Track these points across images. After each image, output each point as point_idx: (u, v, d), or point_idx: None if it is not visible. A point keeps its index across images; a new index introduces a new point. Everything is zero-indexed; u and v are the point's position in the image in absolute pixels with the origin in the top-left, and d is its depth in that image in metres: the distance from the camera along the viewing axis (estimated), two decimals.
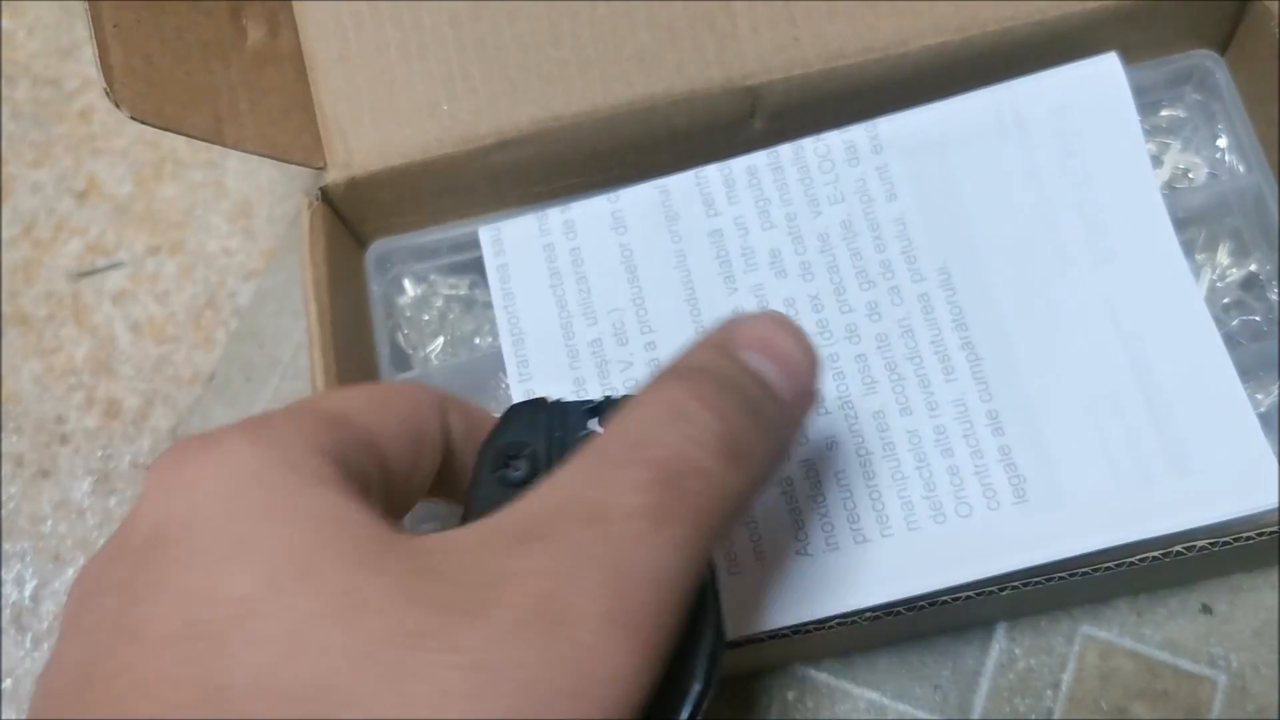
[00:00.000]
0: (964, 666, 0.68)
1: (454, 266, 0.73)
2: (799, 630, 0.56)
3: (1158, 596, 0.68)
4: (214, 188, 0.85)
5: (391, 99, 0.68)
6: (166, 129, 0.61)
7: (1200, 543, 0.56)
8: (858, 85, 0.68)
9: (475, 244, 0.72)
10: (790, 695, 0.68)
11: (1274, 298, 0.66)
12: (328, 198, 0.68)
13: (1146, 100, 0.71)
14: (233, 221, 0.85)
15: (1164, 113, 0.72)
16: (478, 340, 0.72)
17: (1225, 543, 0.56)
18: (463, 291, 0.73)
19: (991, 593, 0.56)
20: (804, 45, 0.67)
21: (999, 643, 0.68)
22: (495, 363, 0.70)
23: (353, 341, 0.68)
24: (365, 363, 0.68)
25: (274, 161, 0.66)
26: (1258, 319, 0.67)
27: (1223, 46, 0.70)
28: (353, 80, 0.68)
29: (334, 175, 0.68)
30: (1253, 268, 0.68)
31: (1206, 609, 0.67)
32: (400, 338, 0.71)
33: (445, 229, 0.72)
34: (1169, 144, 0.70)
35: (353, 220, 0.71)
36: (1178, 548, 0.56)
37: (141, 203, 0.86)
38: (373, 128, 0.68)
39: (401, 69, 0.68)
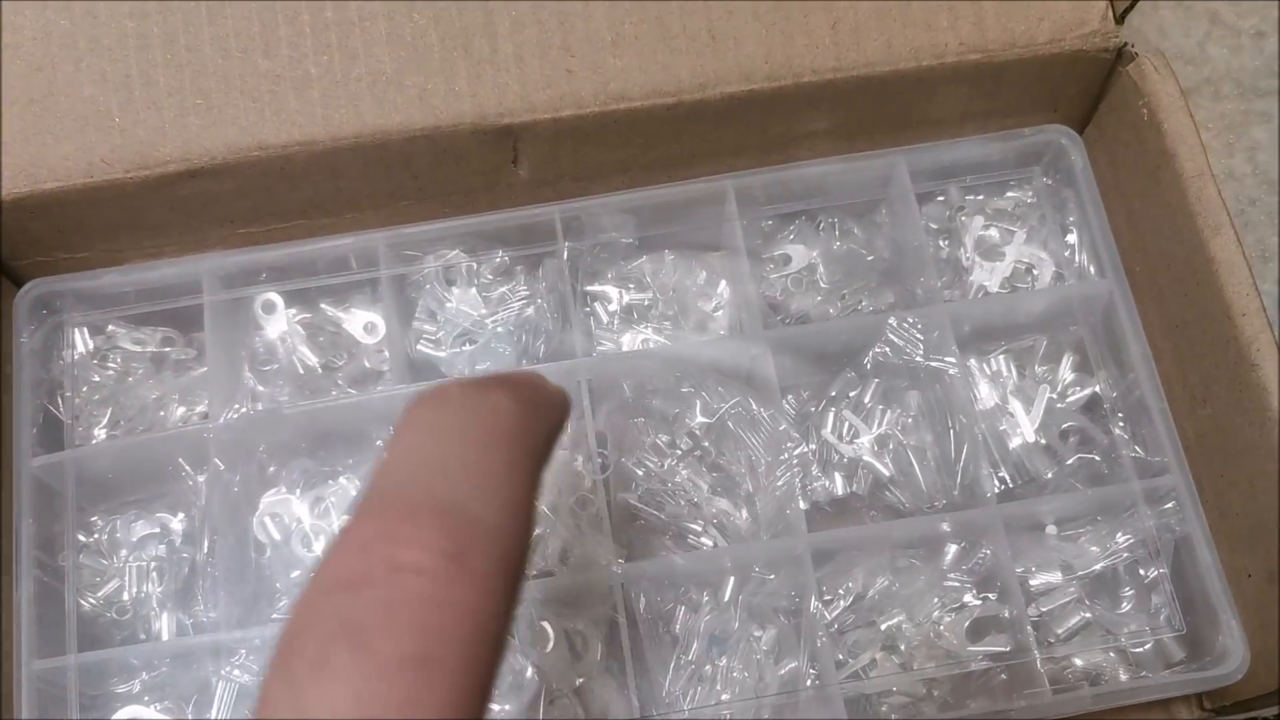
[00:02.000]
0: None
1: (142, 317, 0.58)
2: None
3: None
4: None
5: (48, 104, 0.53)
6: None
7: None
8: (644, 134, 0.56)
9: (168, 290, 0.57)
10: None
11: (1119, 431, 0.55)
12: None
13: (991, 179, 0.60)
14: None
15: (1010, 194, 0.60)
16: (162, 413, 0.58)
17: None
18: (151, 348, 0.59)
19: None
20: (578, 80, 0.54)
21: None
22: (177, 446, 0.55)
23: None
24: None
25: None
26: (1096, 458, 0.55)
27: (1082, 122, 0.59)
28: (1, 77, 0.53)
29: None
30: (1098, 389, 0.57)
31: None
32: (58, 403, 0.56)
33: (128, 270, 0.57)
34: (1013, 232, 0.59)
35: None
36: None
37: None
38: (22, 140, 0.53)
39: (65, 67, 0.53)
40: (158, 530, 0.55)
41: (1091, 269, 0.58)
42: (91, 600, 0.54)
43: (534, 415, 0.31)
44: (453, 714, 0.25)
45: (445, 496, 0.27)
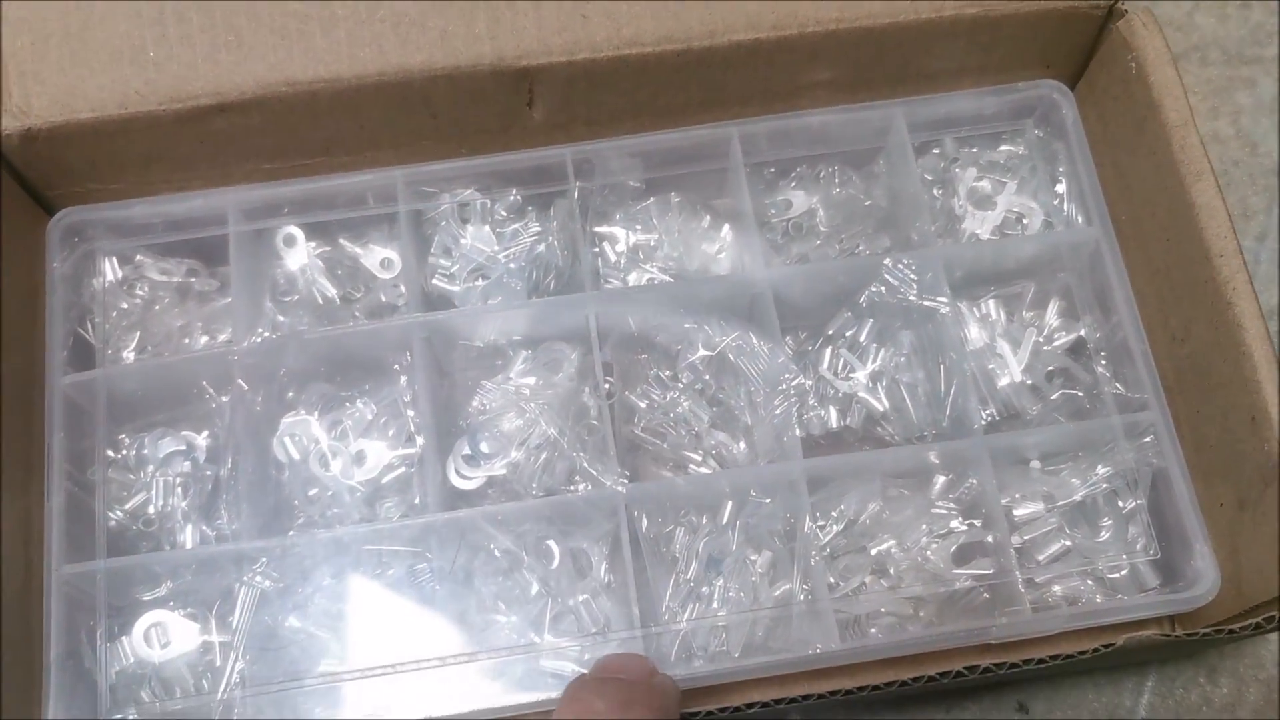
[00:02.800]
0: None
1: (168, 246, 0.61)
2: None
3: (970, 692, 0.60)
4: None
5: (85, 37, 0.55)
6: None
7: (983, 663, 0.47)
8: (654, 79, 0.58)
9: (195, 221, 0.60)
10: None
11: (1101, 369, 0.58)
12: None
13: (984, 132, 0.63)
14: None
15: (1003, 148, 0.63)
16: (187, 340, 0.60)
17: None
18: (177, 279, 0.61)
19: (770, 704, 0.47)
20: (593, 25, 0.56)
21: None
22: (202, 369, 0.58)
23: (14, 333, 0.55)
24: (30, 359, 0.56)
25: None
26: (1080, 394, 0.58)
27: (1073, 79, 0.62)
28: (39, 9, 0.56)
29: (7, 123, 0.55)
30: (1082, 332, 0.59)
31: (1023, 708, 0.59)
32: (88, 328, 0.59)
33: (157, 201, 0.59)
34: (1004, 183, 0.61)
35: (35, 181, 0.58)
36: (957, 669, 0.47)
37: None
38: (59, 70, 0.55)
39: (101, 2, 0.56)
40: (183, 448, 0.57)
41: (1079, 218, 0.60)
42: (119, 513, 0.56)
43: None
44: None
45: None
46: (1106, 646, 0.48)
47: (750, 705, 0.47)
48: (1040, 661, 0.47)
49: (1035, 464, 0.57)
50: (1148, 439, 0.55)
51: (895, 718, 0.59)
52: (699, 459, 0.58)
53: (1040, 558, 0.56)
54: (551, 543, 0.55)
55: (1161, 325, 0.57)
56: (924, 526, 0.56)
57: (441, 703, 0.51)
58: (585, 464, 0.56)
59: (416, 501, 0.57)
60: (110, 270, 0.60)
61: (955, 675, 0.47)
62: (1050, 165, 0.61)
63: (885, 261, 0.58)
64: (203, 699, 0.53)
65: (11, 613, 0.51)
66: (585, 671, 0.48)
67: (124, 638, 0.54)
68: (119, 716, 0.52)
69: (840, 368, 0.59)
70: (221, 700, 0.52)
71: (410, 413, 0.57)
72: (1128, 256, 0.58)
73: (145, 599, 0.55)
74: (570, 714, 0.42)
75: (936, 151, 0.63)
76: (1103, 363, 0.58)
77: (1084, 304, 0.59)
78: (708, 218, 0.63)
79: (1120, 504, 0.56)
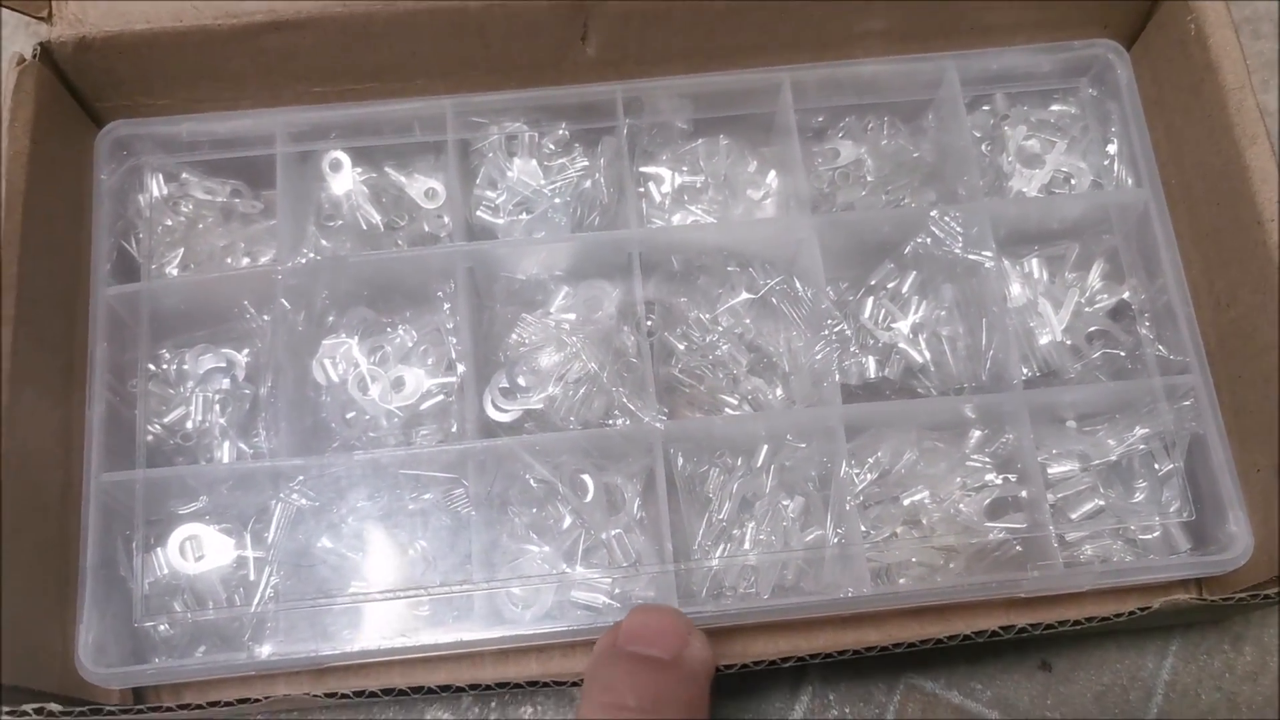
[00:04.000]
0: (769, 710, 0.59)
1: (214, 165, 0.61)
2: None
3: (993, 647, 0.60)
4: None
5: None
6: None
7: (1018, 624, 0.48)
8: (708, 20, 0.58)
9: (242, 140, 0.60)
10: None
11: (1145, 330, 0.58)
12: (50, 57, 0.55)
13: (1037, 89, 0.62)
14: None
15: (1054, 107, 0.63)
16: (230, 259, 0.60)
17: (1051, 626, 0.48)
18: (221, 199, 0.61)
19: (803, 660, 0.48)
20: None
21: (811, 684, 0.59)
22: (244, 288, 0.58)
23: (60, 241, 0.55)
24: (75, 268, 0.56)
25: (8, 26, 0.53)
26: (1122, 354, 0.58)
27: (1130, 40, 0.61)
28: None
29: (60, 31, 0.55)
30: (1125, 295, 0.59)
31: (1046, 665, 0.59)
32: (132, 243, 0.59)
33: (205, 119, 0.59)
34: (1054, 143, 0.61)
35: (86, 92, 0.58)
36: (992, 628, 0.47)
37: None
38: None
39: None
40: (223, 365, 0.57)
41: (1129, 180, 0.60)
42: (157, 426, 0.56)
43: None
44: None
45: None
46: (1142, 609, 0.48)
47: (786, 660, 0.47)
48: (1075, 624, 0.47)
49: (1071, 423, 0.57)
50: (1187, 402, 0.55)
51: (919, 671, 0.59)
52: (735, 403, 0.58)
53: (1073, 516, 0.56)
54: (586, 476, 0.55)
55: (1207, 289, 0.57)
56: (958, 479, 0.56)
57: (471, 629, 0.51)
58: (624, 399, 0.56)
59: (454, 430, 0.57)
60: (156, 186, 0.60)
61: (990, 635, 0.47)
62: (1102, 126, 0.61)
63: (931, 213, 0.58)
64: (235, 611, 0.53)
65: (49, 518, 0.52)
66: (619, 623, 0.46)
67: (159, 549, 0.54)
68: (151, 623, 0.53)
69: (881, 318, 0.59)
70: (255, 613, 0.52)
71: (452, 340, 0.57)
72: (1175, 220, 0.58)
73: (181, 512, 0.55)
74: (600, 706, 0.42)
75: (987, 108, 0.63)
76: (1146, 325, 0.58)
77: (1130, 266, 0.59)
78: (754, 163, 0.62)
79: (1156, 466, 0.56)
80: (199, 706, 0.46)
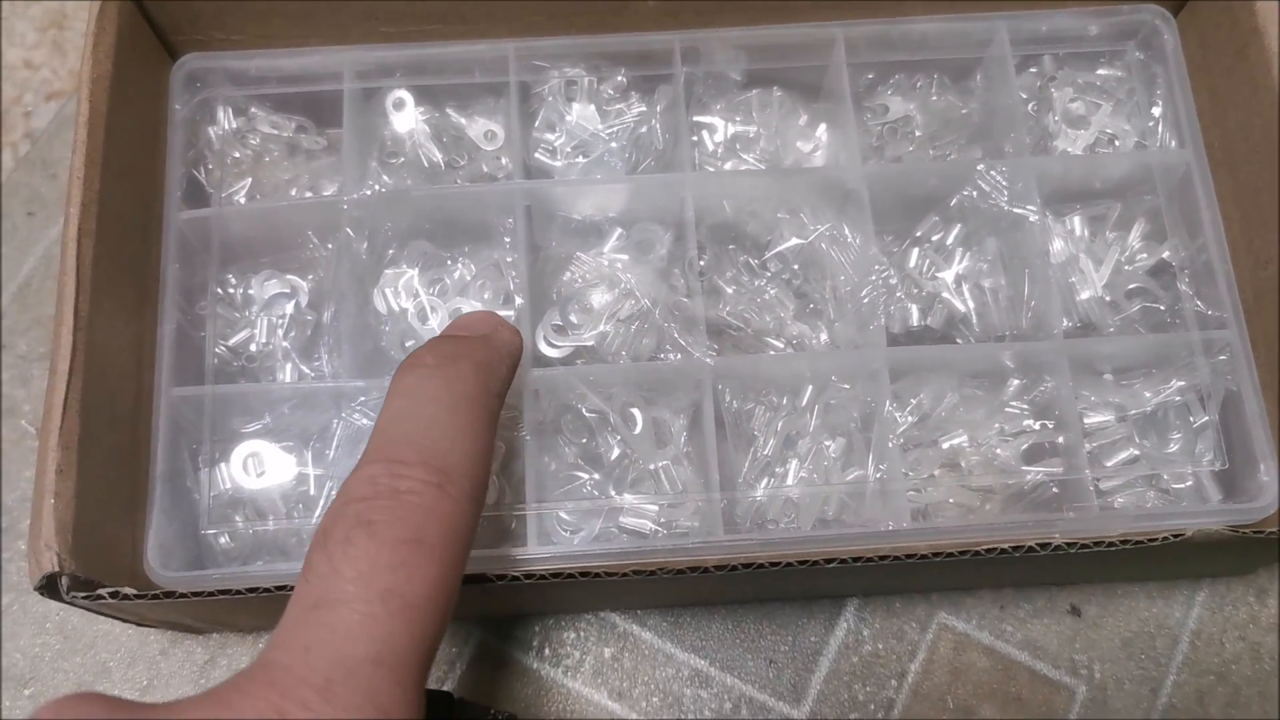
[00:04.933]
0: (805, 643, 0.61)
1: (281, 100, 0.63)
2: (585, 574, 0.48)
3: (1024, 590, 0.61)
4: None
5: None
6: None
7: (1056, 539, 0.49)
8: None
9: (310, 77, 0.62)
10: (607, 652, 0.60)
11: (1184, 287, 0.59)
12: None
13: (1084, 52, 0.64)
14: (41, 31, 0.73)
15: (1101, 70, 0.64)
16: (294, 192, 0.62)
17: (1085, 546, 0.49)
18: (287, 134, 0.63)
19: (845, 562, 0.49)
20: None
21: (847, 621, 0.61)
22: (309, 217, 0.60)
23: (136, 165, 0.57)
24: (149, 192, 0.58)
25: None
26: (1161, 308, 0.59)
27: (1177, 4, 0.63)
28: None
29: None
30: (1165, 254, 0.60)
31: (1075, 610, 0.61)
32: (202, 173, 0.61)
33: (275, 55, 0.61)
34: (1099, 105, 0.62)
35: (163, 25, 0.60)
36: (1029, 543, 0.49)
37: None
38: None
39: None
40: (287, 290, 0.59)
41: (1172, 143, 0.61)
42: (224, 347, 0.58)
43: (489, 376, 0.43)
44: (435, 577, 0.35)
45: (428, 447, 0.38)
46: (1176, 536, 0.49)
47: (830, 560, 0.49)
48: (1110, 544, 0.49)
49: (1108, 376, 0.59)
50: (1223, 357, 0.57)
51: (951, 610, 0.61)
52: (780, 347, 0.60)
53: (1108, 464, 0.57)
54: (636, 410, 0.57)
55: (1246, 248, 0.58)
56: (996, 425, 0.58)
57: (522, 550, 0.53)
58: (675, 335, 0.58)
59: None
60: (226, 120, 0.62)
61: (1026, 550, 0.49)
62: (1147, 90, 0.62)
63: (979, 167, 0.60)
64: (295, 524, 0.55)
65: (122, 427, 0.54)
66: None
67: (223, 464, 0.56)
68: (214, 531, 0.55)
69: (926, 268, 0.61)
70: (315, 526, 0.54)
71: (512, 273, 0.59)
72: (1217, 181, 0.59)
73: (244, 430, 0.57)
74: (400, 368, 0.42)
75: (1034, 70, 0.64)
76: (1185, 282, 0.59)
77: (1171, 226, 0.60)
78: (805, 116, 0.64)
79: (1190, 418, 0.57)
80: (266, 590, 0.48)
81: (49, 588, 0.46)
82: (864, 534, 0.53)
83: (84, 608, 0.48)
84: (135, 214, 0.57)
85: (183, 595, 0.48)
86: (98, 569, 0.49)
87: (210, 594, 0.48)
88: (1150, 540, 0.49)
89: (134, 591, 0.47)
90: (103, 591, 0.46)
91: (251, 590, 0.48)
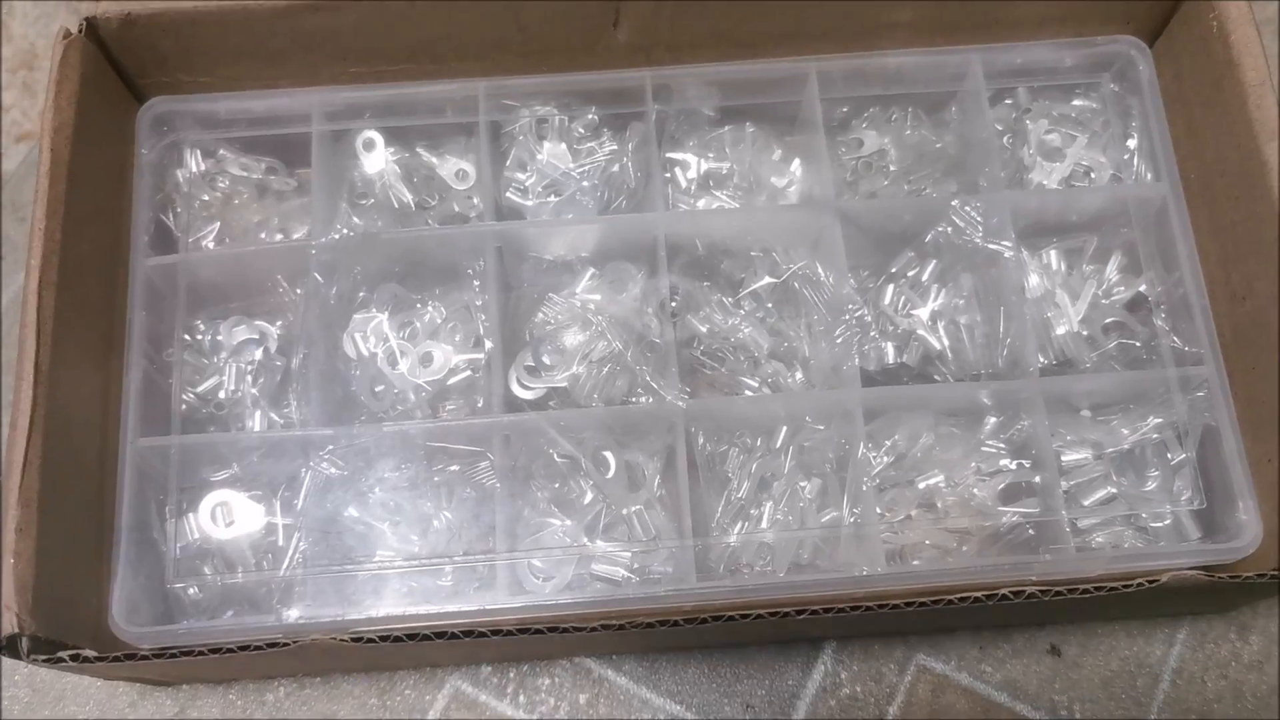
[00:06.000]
0: (782, 687, 0.60)
1: (250, 143, 0.62)
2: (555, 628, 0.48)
3: (1003, 630, 0.61)
4: None
5: None
6: None
7: (1031, 586, 0.49)
8: (737, 9, 0.59)
9: (279, 118, 0.61)
10: (583, 698, 0.60)
11: (1160, 323, 0.58)
12: (95, 33, 0.57)
13: (1059, 84, 0.63)
14: (11, 72, 0.72)
15: (1076, 101, 0.63)
16: (264, 235, 0.62)
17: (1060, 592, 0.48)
18: (256, 175, 0.63)
19: (817, 612, 0.48)
20: None
21: (824, 663, 0.60)
22: (278, 262, 0.59)
23: (102, 211, 0.57)
24: (115, 238, 0.57)
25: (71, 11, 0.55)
26: (1137, 344, 0.59)
27: (1152, 35, 0.62)
28: None
29: (106, 7, 0.56)
30: (1142, 288, 0.60)
31: (1055, 650, 0.60)
32: (170, 217, 0.61)
33: (244, 97, 0.61)
34: (1075, 136, 0.62)
35: (129, 68, 0.59)
36: (1002, 592, 0.48)
37: None
38: None
39: None
40: (256, 336, 0.59)
41: (1148, 175, 0.61)
42: (191, 394, 0.58)
43: None
44: None
45: None
46: (1151, 581, 0.49)
47: (801, 611, 0.48)
48: (1084, 591, 0.48)
49: (1086, 412, 0.58)
50: (1200, 393, 0.56)
51: (930, 651, 0.60)
52: (755, 385, 0.59)
53: (1085, 502, 0.57)
54: (608, 453, 0.57)
55: (1223, 282, 0.57)
56: (973, 464, 0.57)
57: (492, 598, 0.52)
58: (647, 378, 0.57)
59: (480, 405, 0.58)
60: (194, 162, 0.62)
61: (1000, 598, 0.48)
62: (1123, 121, 0.62)
63: (953, 202, 0.59)
64: (263, 575, 0.55)
65: (87, 479, 0.53)
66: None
67: (190, 514, 0.55)
68: (182, 585, 0.54)
69: (901, 305, 0.60)
70: (283, 578, 0.54)
71: (481, 317, 0.58)
72: (1193, 214, 0.59)
73: (212, 479, 0.57)
74: None
75: (1009, 102, 0.64)
76: (1161, 316, 0.59)
77: (1147, 259, 0.60)
78: (779, 151, 0.63)
79: (1168, 455, 0.57)
80: (230, 650, 0.47)
81: (9, 648, 0.46)
82: (838, 579, 0.53)
83: (46, 667, 0.47)
84: (101, 261, 0.56)
85: (144, 657, 0.47)
86: (61, 627, 0.48)
87: (173, 654, 0.47)
88: (1125, 586, 0.48)
89: (94, 654, 0.46)
90: (63, 655, 0.46)
91: (214, 650, 0.47)
